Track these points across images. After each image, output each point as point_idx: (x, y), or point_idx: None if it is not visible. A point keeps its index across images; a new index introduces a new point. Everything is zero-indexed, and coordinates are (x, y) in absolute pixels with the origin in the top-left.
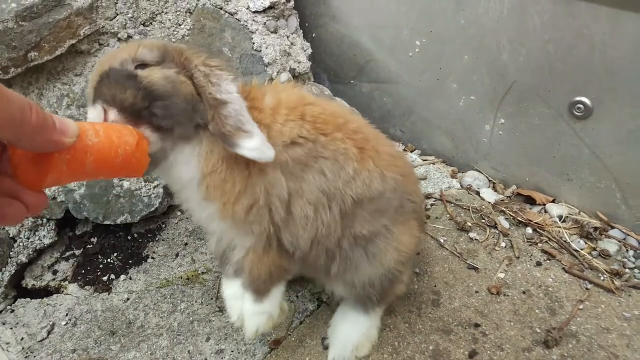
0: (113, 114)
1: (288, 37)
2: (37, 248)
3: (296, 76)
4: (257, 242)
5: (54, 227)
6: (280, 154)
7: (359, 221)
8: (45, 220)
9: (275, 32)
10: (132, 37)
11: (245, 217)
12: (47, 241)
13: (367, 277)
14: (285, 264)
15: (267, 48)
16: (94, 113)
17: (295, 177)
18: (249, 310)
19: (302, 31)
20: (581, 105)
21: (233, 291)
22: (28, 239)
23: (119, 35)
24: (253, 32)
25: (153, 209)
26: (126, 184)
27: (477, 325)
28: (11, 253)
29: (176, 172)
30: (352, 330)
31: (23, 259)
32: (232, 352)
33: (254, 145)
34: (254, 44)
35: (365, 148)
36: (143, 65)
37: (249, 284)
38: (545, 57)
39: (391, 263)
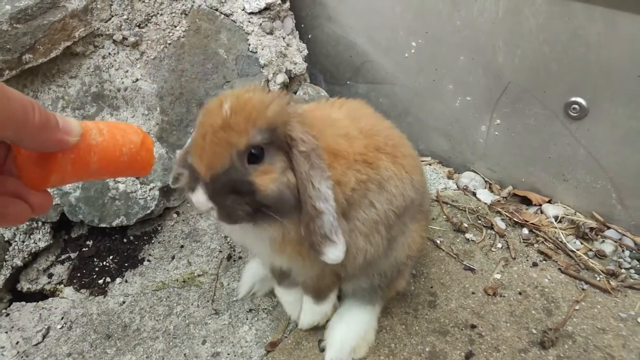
0: (215, 214)
1: (284, 38)
2: (32, 251)
3: (292, 77)
4: (320, 272)
5: (49, 230)
6: (342, 203)
7: (393, 228)
8: (40, 223)
9: (270, 33)
10: (126, 39)
11: (318, 264)
12: (42, 244)
13: (382, 268)
14: (340, 279)
15: (262, 49)
16: (199, 198)
17: (349, 218)
18: (309, 310)
19: (297, 32)
20: (576, 106)
21: (293, 298)
22: (23, 242)
23: (114, 37)
24: (248, 34)
25: (149, 211)
26: (121, 186)
27: (473, 326)
28: (6, 256)
29: (256, 239)
30: (349, 331)
31: (18, 262)
32: (228, 354)
33: (336, 256)
34: (249, 45)
35: (396, 156)
36: (256, 148)
37: (311, 293)
38: (541, 57)
39: (403, 257)
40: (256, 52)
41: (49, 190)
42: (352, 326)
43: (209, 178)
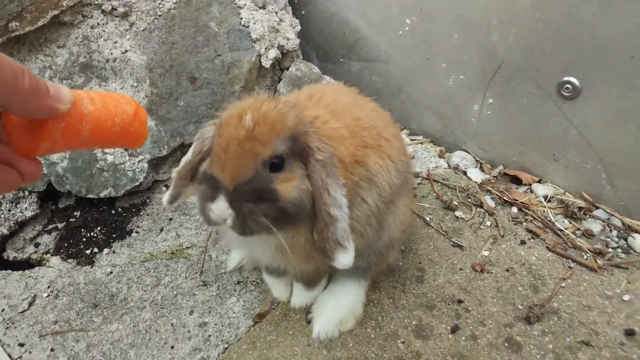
0: (230, 222)
1: (276, 13)
2: (19, 220)
3: (284, 53)
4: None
5: (35, 200)
6: None
7: (383, 211)
8: (26, 193)
9: (263, 7)
10: (115, 9)
11: (319, 261)
12: (28, 213)
13: (375, 248)
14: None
15: (254, 23)
16: (220, 207)
17: None
18: (301, 294)
19: (291, 7)
20: (569, 85)
21: (282, 284)
22: (9, 210)
23: (103, 7)
24: (241, 7)
25: (137, 183)
26: (110, 158)
27: (460, 301)
28: None
29: (260, 244)
30: (337, 304)
31: (4, 230)
32: (216, 324)
33: (347, 261)
34: (241, 19)
35: (381, 145)
36: (277, 157)
37: (301, 282)
38: (535, 36)
39: (396, 234)
40: (248, 27)
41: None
42: (340, 299)
43: (232, 187)
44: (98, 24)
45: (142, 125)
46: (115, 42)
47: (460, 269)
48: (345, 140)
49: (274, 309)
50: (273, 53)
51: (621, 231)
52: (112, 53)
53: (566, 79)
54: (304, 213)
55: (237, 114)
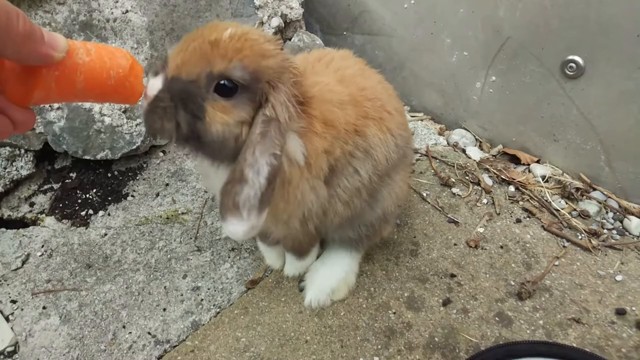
0: (145, 104)
1: None
2: (14, 178)
3: (287, 22)
4: (300, 232)
5: (31, 159)
6: (324, 169)
7: (377, 184)
8: (22, 151)
9: None
10: None
11: (297, 226)
12: (24, 172)
13: (368, 220)
14: (317, 237)
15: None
16: (155, 83)
17: (331, 185)
18: (292, 265)
19: None
20: (573, 64)
21: (275, 253)
22: (4, 168)
23: None
24: None
25: (134, 147)
26: (107, 119)
27: (452, 276)
28: None
29: (216, 182)
30: (330, 274)
31: None
32: (208, 289)
33: (235, 231)
34: None
35: (383, 118)
36: (229, 82)
37: (290, 251)
38: (542, 12)
39: (391, 207)
40: None
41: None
42: (333, 269)
43: (171, 76)
44: None
45: (138, 80)
46: (116, 2)
47: (455, 245)
48: (347, 107)
49: (267, 276)
50: (276, 21)
51: (617, 213)
52: (112, 12)
53: (570, 57)
54: (222, 155)
55: (228, 24)
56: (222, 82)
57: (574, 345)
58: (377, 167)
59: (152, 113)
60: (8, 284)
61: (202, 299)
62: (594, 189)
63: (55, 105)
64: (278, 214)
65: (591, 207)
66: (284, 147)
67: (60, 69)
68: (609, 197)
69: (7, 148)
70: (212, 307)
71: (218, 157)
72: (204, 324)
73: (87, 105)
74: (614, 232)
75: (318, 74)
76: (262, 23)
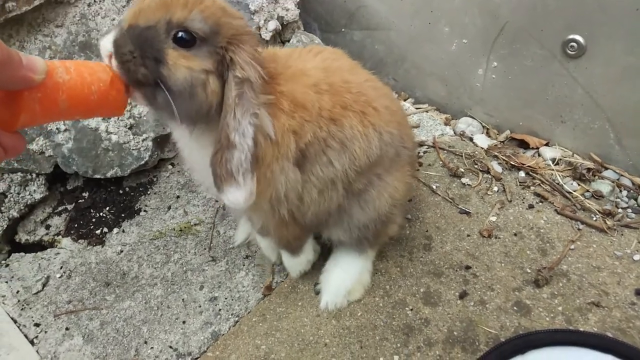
0: (113, 64)
1: None
2: (28, 203)
3: (284, 24)
4: (278, 222)
5: (43, 182)
6: (296, 154)
7: (356, 181)
8: (34, 175)
9: None
10: None
11: (266, 207)
12: (37, 196)
13: (360, 222)
14: (302, 231)
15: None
16: (106, 40)
17: (304, 170)
18: (289, 263)
19: None
20: (574, 44)
21: (269, 242)
22: (18, 193)
23: None
24: None
25: (143, 162)
26: (114, 137)
27: (467, 267)
28: (2, 208)
29: (193, 153)
30: (344, 275)
31: (14, 213)
32: (226, 298)
33: (235, 198)
34: None
35: (366, 113)
36: (187, 33)
37: (281, 247)
38: None
39: (385, 208)
40: None
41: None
42: (347, 269)
43: (127, 25)
44: (95, 1)
45: (120, 94)
46: (113, 20)
47: (468, 236)
48: (324, 94)
49: (282, 281)
50: (273, 25)
51: (631, 191)
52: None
53: (571, 37)
54: (193, 108)
55: None
56: (180, 34)
57: (595, 330)
58: (355, 162)
59: (123, 64)
60: (30, 308)
61: (220, 309)
62: (606, 168)
63: (62, 127)
64: None
65: (604, 187)
66: (261, 106)
67: (42, 90)
68: (622, 175)
69: (19, 174)
70: (230, 316)
71: (191, 112)
72: (223, 334)
73: (93, 124)
74: (629, 210)
75: (302, 60)
76: (259, 28)
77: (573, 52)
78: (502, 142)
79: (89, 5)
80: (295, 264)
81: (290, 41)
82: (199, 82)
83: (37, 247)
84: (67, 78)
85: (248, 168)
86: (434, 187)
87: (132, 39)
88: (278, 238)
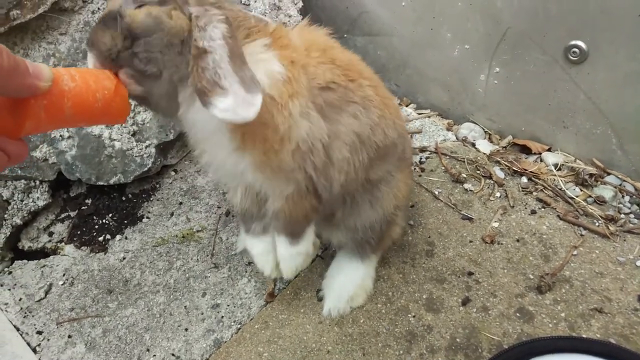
0: (91, 59)
1: None
2: (32, 210)
3: None
4: (298, 189)
5: (47, 189)
6: (316, 97)
7: (373, 167)
8: (37, 182)
9: None
10: None
11: (290, 162)
12: (40, 203)
13: (368, 221)
14: (318, 206)
15: (255, 1)
16: (88, 58)
17: (330, 120)
18: (286, 254)
19: None
20: (576, 49)
21: (262, 247)
22: (21, 201)
23: None
24: None
25: (146, 169)
26: (117, 144)
27: (470, 274)
28: (5, 215)
29: (196, 119)
30: (347, 281)
31: (17, 220)
32: (228, 306)
33: (226, 105)
34: None
35: (381, 95)
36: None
37: (285, 228)
38: None
39: (390, 207)
40: (249, 4)
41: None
42: (350, 275)
43: (97, 21)
44: (99, 8)
45: (123, 100)
46: None
47: (470, 242)
48: (341, 52)
49: (284, 287)
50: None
51: (634, 197)
52: None
53: (573, 42)
54: (163, 41)
55: None
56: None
57: (598, 336)
58: (375, 132)
59: (95, 50)
60: (33, 316)
61: (222, 316)
62: (608, 174)
63: (66, 134)
64: (268, 146)
65: (606, 193)
66: (229, 18)
67: (48, 97)
68: (624, 181)
69: (23, 181)
70: (232, 323)
71: (166, 46)
72: (226, 341)
73: (96, 131)
74: (632, 216)
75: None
76: None
77: (575, 58)
78: (505, 147)
79: (92, 12)
80: (294, 255)
81: None
82: (162, 12)
83: (40, 254)
84: (72, 85)
85: (229, 69)
86: (437, 192)
87: (96, 27)
88: (289, 213)
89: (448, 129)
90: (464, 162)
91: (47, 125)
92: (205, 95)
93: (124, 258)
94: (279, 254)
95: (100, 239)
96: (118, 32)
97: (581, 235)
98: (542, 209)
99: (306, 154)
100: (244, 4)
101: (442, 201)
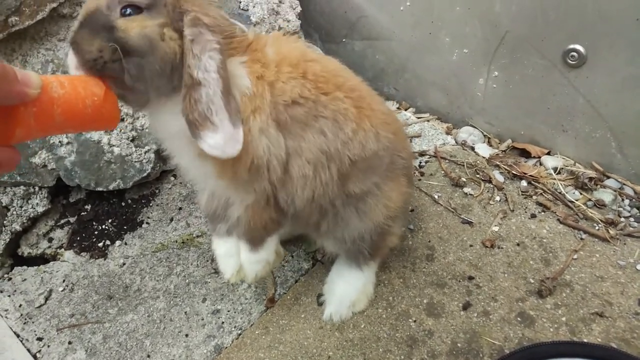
0: (72, 61)
1: None
2: (31, 216)
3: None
4: (256, 199)
5: (46, 195)
6: (280, 113)
7: (352, 180)
8: (37, 189)
9: None
10: None
11: (245, 176)
12: (40, 209)
13: (356, 232)
14: (280, 219)
15: (254, 7)
16: (69, 57)
17: (294, 136)
18: (246, 260)
19: None
20: (575, 53)
21: (226, 249)
22: (21, 207)
23: None
24: None
25: (145, 174)
26: (116, 150)
27: (470, 278)
28: (5, 221)
29: (162, 121)
30: (348, 286)
31: (17, 227)
32: (228, 311)
33: (215, 142)
34: (240, 2)
35: (362, 106)
36: (131, 7)
37: (245, 235)
38: (538, 4)
39: (380, 218)
40: (247, 10)
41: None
42: (350, 281)
43: (78, 24)
44: None
45: (113, 107)
46: None
47: (471, 246)
48: (315, 62)
49: (285, 293)
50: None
51: (633, 200)
52: None
53: (571, 46)
54: (159, 60)
55: None
56: (123, 9)
57: (599, 341)
58: (350, 147)
59: (78, 49)
60: (33, 322)
61: (222, 322)
62: (608, 177)
63: (65, 140)
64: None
65: (606, 196)
66: (221, 44)
67: (37, 105)
68: (624, 184)
69: (22, 187)
70: (233, 329)
71: (156, 67)
72: (226, 347)
73: (95, 137)
74: (632, 219)
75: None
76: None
77: (574, 62)
78: (504, 151)
79: None
80: (253, 262)
81: None
82: (155, 33)
83: (40, 260)
84: (61, 92)
85: (221, 105)
86: (436, 197)
87: (81, 28)
88: (248, 221)
89: (447, 133)
90: (463, 166)
91: (38, 132)
92: (196, 128)
93: (124, 264)
94: (242, 259)
95: (100, 244)
96: (107, 45)
97: (581, 239)
98: (542, 213)
99: (262, 169)
100: (242, 9)
101: (441, 205)
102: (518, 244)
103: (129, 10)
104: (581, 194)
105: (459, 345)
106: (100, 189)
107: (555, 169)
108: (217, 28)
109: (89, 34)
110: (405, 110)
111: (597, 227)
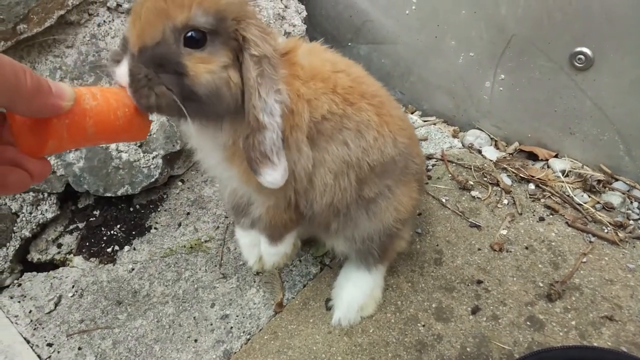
0: (128, 92)
1: (282, 0)
2: (40, 222)
3: None
4: (277, 203)
5: (55, 201)
6: (310, 128)
7: (368, 184)
8: (46, 195)
9: None
10: (120, 6)
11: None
12: (49, 215)
13: (365, 232)
14: (299, 219)
15: (260, 11)
16: (121, 70)
17: (319, 148)
18: (266, 252)
19: None
20: (582, 56)
21: (250, 239)
22: (30, 213)
23: (108, 4)
24: None
25: (153, 180)
26: (124, 155)
27: (479, 282)
28: (14, 228)
29: (211, 152)
30: (356, 290)
31: (27, 233)
32: (237, 316)
33: (274, 179)
34: None
35: (382, 113)
36: (195, 32)
37: (265, 231)
38: (544, 7)
39: (390, 220)
40: None
41: (48, 159)
42: (359, 285)
43: (137, 49)
44: (104, 21)
45: (144, 118)
46: None
47: (479, 249)
48: (343, 74)
49: (293, 297)
50: (280, 41)
51: None
52: None
53: (578, 49)
54: (223, 107)
55: None
56: (188, 34)
57: (609, 345)
58: (369, 154)
59: (137, 92)
60: (43, 328)
61: (231, 327)
62: (616, 180)
63: None
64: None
65: (615, 199)
66: (283, 84)
67: (70, 117)
68: (633, 187)
69: (31, 193)
70: (242, 334)
71: (219, 110)
72: (235, 352)
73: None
74: None
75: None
76: None
77: (581, 65)
78: (511, 154)
79: (98, 25)
80: (271, 254)
81: None
82: (223, 81)
83: (49, 266)
84: (93, 104)
85: (280, 146)
86: (444, 200)
87: (145, 63)
88: (269, 220)
89: (454, 136)
90: (470, 169)
91: (70, 144)
92: (256, 165)
93: (133, 269)
94: (262, 250)
95: (109, 250)
96: (171, 93)
97: (590, 242)
98: (551, 216)
99: (289, 181)
100: None
101: (449, 209)
102: (527, 248)
103: (193, 36)
104: (589, 196)
105: (468, 349)
106: (108, 194)
107: (563, 172)
108: (275, 60)
109: (152, 69)
110: (412, 113)
111: (605, 230)
